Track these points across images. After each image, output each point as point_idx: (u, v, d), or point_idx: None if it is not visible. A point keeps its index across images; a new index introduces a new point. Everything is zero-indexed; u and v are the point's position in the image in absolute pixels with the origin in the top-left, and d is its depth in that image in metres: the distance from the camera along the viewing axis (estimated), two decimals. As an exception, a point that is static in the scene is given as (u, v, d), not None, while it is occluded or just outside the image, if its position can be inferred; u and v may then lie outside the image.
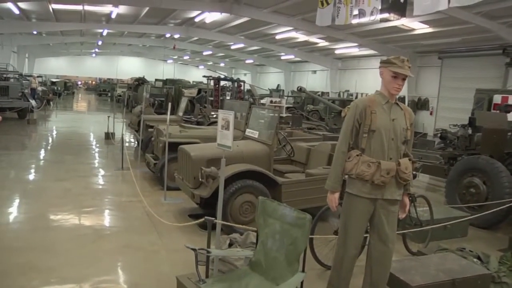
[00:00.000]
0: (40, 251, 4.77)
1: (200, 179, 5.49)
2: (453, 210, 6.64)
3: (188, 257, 3.96)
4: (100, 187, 8.02)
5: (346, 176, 3.47)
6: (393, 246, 3.47)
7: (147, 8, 20.89)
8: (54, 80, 40.02)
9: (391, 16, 12.66)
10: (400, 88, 3.34)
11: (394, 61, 3.28)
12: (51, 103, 27.12)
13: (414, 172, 3.61)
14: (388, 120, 3.35)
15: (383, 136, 3.31)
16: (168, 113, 7.33)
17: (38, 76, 29.44)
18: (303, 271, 3.04)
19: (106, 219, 6.12)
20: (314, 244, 4.65)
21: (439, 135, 10.97)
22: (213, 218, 3.58)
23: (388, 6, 11.00)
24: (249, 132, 6.57)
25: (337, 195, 3.44)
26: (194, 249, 3.16)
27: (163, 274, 4.38)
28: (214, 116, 12.14)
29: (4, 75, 20.04)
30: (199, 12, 20.94)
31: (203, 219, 3.65)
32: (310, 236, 4.37)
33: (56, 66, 49.56)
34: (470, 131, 9.47)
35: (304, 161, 6.95)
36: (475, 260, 4.37)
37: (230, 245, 4.49)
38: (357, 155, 3.34)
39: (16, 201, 6.77)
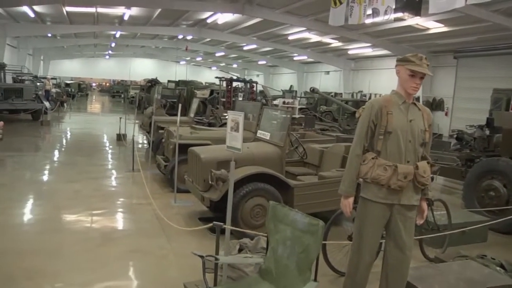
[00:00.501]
0: (47, 255, 4.69)
1: (210, 182, 5.36)
2: (472, 214, 6.41)
3: (197, 262, 3.81)
4: (110, 189, 7.95)
5: (361, 180, 3.30)
6: (410, 254, 3.29)
7: (159, 10, 20.92)
8: (68, 82, 40.39)
9: (406, 15, 12.43)
10: (418, 88, 3.16)
11: (412, 59, 3.11)
12: (65, 104, 27.33)
13: (431, 175, 3.43)
14: (405, 121, 3.17)
15: (400, 138, 3.14)
16: (179, 114, 7.22)
17: (52, 78, 29.71)
18: (315, 280, 2.89)
19: (115, 222, 6.02)
20: (328, 249, 4.49)
21: (455, 136, 10.72)
22: (222, 223, 3.44)
23: (402, 5, 10.78)
24: (260, 133, 6.43)
25: (351, 200, 3.28)
26: (201, 256, 3.02)
27: (171, 280, 4.26)
28: (226, 117, 12.00)
29: (20, 77, 20.23)
30: (211, 13, 20.92)
31: (211, 224, 3.52)
32: (323, 242, 4.21)
33: (70, 68, 50.14)
34: (488, 132, 9.21)
35: (317, 163, 6.78)
36: (498, 268, 4.14)
37: (240, 250, 4.35)
38: (373, 158, 3.18)
39: (27, 203, 6.74)
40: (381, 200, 3.17)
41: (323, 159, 6.74)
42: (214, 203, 5.46)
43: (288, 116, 5.96)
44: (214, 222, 3.44)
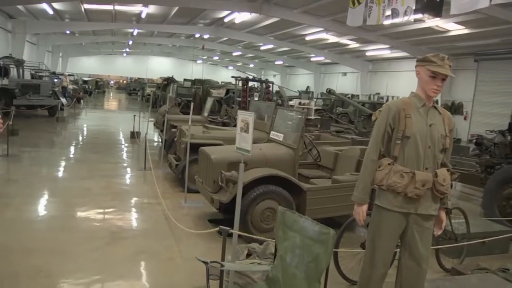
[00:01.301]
0: (54, 253, 4.60)
1: (220, 183, 5.23)
2: (492, 224, 6.15)
3: (204, 266, 3.70)
4: (121, 187, 7.86)
5: (376, 187, 3.13)
6: (427, 267, 3.10)
7: (176, 8, 20.90)
8: (86, 79, 40.77)
9: (425, 16, 12.10)
10: (439, 90, 2.97)
11: (433, 59, 2.92)
12: (82, 101, 27.53)
13: (451, 182, 3.23)
14: (424, 125, 2.99)
15: (418, 144, 2.96)
16: (191, 113, 7.11)
17: (69, 75, 30.00)
18: (325, 291, 2.74)
19: (124, 222, 5.91)
20: (339, 256, 4.32)
21: (474, 141, 10.40)
22: (229, 228, 3.31)
23: (422, 6, 10.50)
24: (273, 134, 6.27)
25: (365, 207, 3.10)
26: (205, 262, 2.90)
27: (177, 284, 4.14)
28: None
29: (38, 74, 20.43)
30: (228, 12, 20.82)
31: (228, 229, 3.37)
32: (335, 250, 4.05)
33: (88, 65, 50.58)
34: (509, 138, 8.87)
35: (331, 166, 6.60)
36: (520, 283, 3.92)
37: (248, 255, 4.21)
38: (389, 164, 2.99)
39: (39, 199, 6.70)
40: (397, 208, 2.99)
41: (338, 162, 6.55)
42: (225, 205, 5.33)
43: (302, 117, 5.78)
44: (221, 226, 3.31)
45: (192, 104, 7.41)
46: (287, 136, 5.99)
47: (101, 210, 6.26)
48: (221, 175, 5.16)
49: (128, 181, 8.38)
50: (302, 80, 42.45)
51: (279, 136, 6.13)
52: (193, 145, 6.91)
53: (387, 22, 11.62)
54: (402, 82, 27.45)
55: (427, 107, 3.03)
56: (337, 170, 6.45)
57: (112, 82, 62.07)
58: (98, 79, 45.81)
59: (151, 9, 21.41)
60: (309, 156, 6.90)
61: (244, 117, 3.54)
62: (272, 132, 6.37)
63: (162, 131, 11.72)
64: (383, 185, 3.00)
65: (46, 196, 6.94)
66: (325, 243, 2.71)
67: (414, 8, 10.38)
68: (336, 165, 6.56)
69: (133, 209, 6.52)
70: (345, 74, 35.38)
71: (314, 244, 2.79)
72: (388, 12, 11.12)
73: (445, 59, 2.92)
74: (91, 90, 36.98)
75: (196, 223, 5.98)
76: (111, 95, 46.34)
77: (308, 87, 38.15)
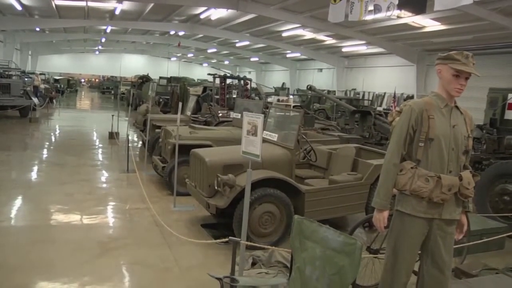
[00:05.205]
0: (39, 270, 4.24)
1: (216, 188, 4.99)
2: (487, 220, 6.11)
3: (204, 275, 3.47)
4: (105, 191, 7.49)
5: (395, 191, 2.96)
6: (449, 273, 2.97)
7: (151, 4, 20.40)
8: (57, 77, 39.54)
9: (403, 12, 12.07)
10: (462, 89, 2.84)
11: (457, 57, 2.77)
12: (54, 101, 26.67)
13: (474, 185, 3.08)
14: (448, 126, 2.84)
15: (442, 146, 2.80)
16: (179, 113, 6.82)
17: (41, 74, 28.98)
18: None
19: (112, 230, 5.58)
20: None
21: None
22: (239, 239, 3.09)
23: (405, 1, 10.44)
24: (266, 134, 6.05)
25: (386, 213, 2.92)
26: (219, 279, 2.68)
27: (177, 297, 3.90)
28: (220, 115, 11.67)
29: (7, 73, 19.61)
30: (205, 8, 20.49)
31: (226, 240, 3.16)
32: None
33: (59, 64, 49.23)
34: (487, 133, 8.92)
35: (325, 166, 6.45)
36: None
37: (253, 264, 4.01)
38: (412, 168, 2.83)
39: (14, 208, 6.27)
40: (421, 214, 2.83)
41: (332, 162, 6.41)
42: (220, 209, 5.09)
43: (299, 115, 5.59)
44: (230, 237, 3.09)
45: (180, 103, 7.11)
46: (283, 136, 5.80)
47: (87, 218, 5.91)
48: (218, 179, 4.93)
49: (112, 185, 7.98)
50: (277, 76, 42.40)
51: (273, 136, 5.93)
52: (180, 146, 6.64)
53: (369, 17, 11.56)
54: (378, 78, 27.72)
55: (450, 107, 2.89)
56: (332, 169, 6.31)
57: (83, 80, 60.52)
58: (70, 78, 44.49)
59: (126, 5, 20.85)
60: (301, 155, 6.72)
61: (251, 119, 3.32)
62: (264, 132, 6.15)
63: (142, 131, 11.36)
64: (406, 190, 2.84)
65: (25, 204, 6.51)
66: (351, 255, 2.53)
67: (396, 3, 10.32)
68: (330, 165, 6.41)
69: (121, 216, 6.19)
70: (321, 70, 35.47)
71: (337, 256, 2.60)
72: (371, 8, 11.04)
73: (469, 57, 2.79)
74: (63, 89, 35.86)
75: (189, 228, 5.71)
76: (83, 94, 45.11)
77: (283, 83, 38.07)
